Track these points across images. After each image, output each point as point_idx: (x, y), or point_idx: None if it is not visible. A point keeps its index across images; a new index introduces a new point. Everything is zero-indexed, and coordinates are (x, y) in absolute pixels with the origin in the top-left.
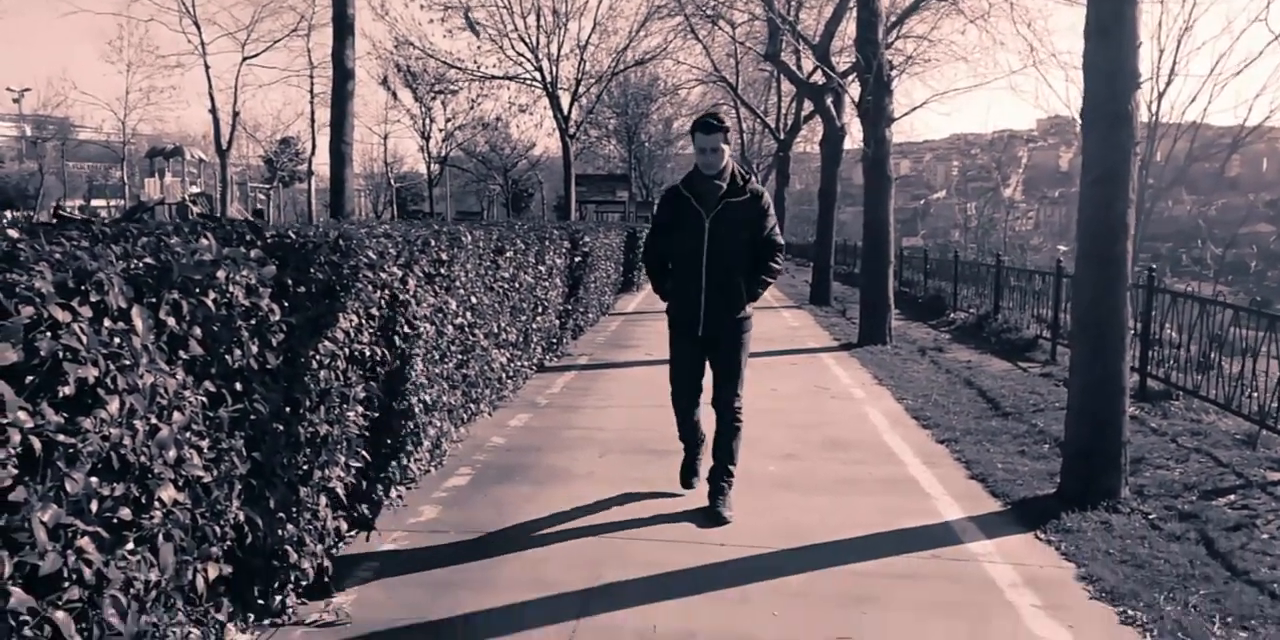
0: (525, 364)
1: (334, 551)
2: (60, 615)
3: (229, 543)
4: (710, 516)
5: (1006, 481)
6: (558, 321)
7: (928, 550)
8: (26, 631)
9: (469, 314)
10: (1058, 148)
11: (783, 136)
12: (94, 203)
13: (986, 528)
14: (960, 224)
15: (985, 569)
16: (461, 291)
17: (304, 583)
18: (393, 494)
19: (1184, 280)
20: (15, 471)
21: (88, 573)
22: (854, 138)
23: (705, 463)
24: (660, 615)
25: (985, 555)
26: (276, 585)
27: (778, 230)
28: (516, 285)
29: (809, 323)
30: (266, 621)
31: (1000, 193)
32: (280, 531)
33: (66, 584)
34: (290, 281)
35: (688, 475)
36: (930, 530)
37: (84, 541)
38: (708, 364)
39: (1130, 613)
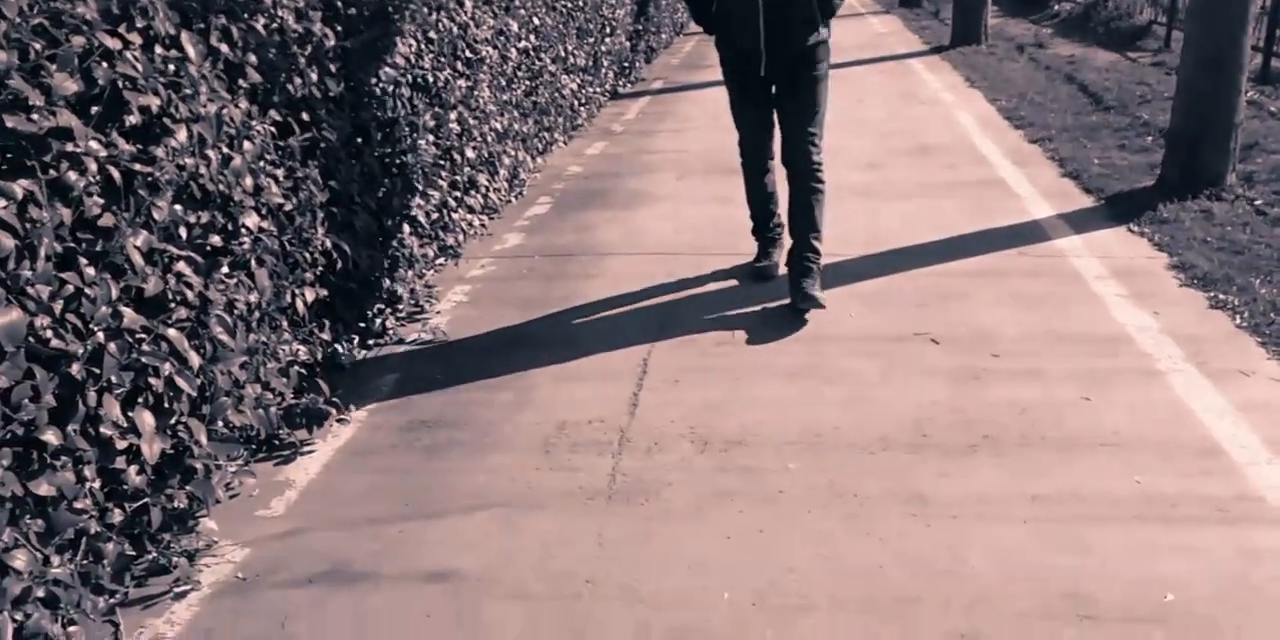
0: (597, 90)
1: (424, 277)
2: (172, 333)
3: (320, 269)
4: (801, 299)
5: (1102, 177)
6: (628, 43)
7: (1013, 248)
8: (144, 347)
9: (533, 37)
10: None
11: None
12: None
13: (1077, 224)
14: None
15: (1072, 263)
16: (522, 12)
17: (399, 306)
18: (475, 223)
19: None
20: (101, 200)
21: (190, 295)
22: None
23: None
24: (739, 322)
25: (1073, 250)
26: (375, 309)
27: None
28: (581, 4)
29: (897, 27)
30: (370, 342)
31: None
32: (369, 258)
33: (173, 305)
34: (341, 4)
35: (765, 260)
36: (1017, 229)
37: (180, 266)
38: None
39: (1221, 297)
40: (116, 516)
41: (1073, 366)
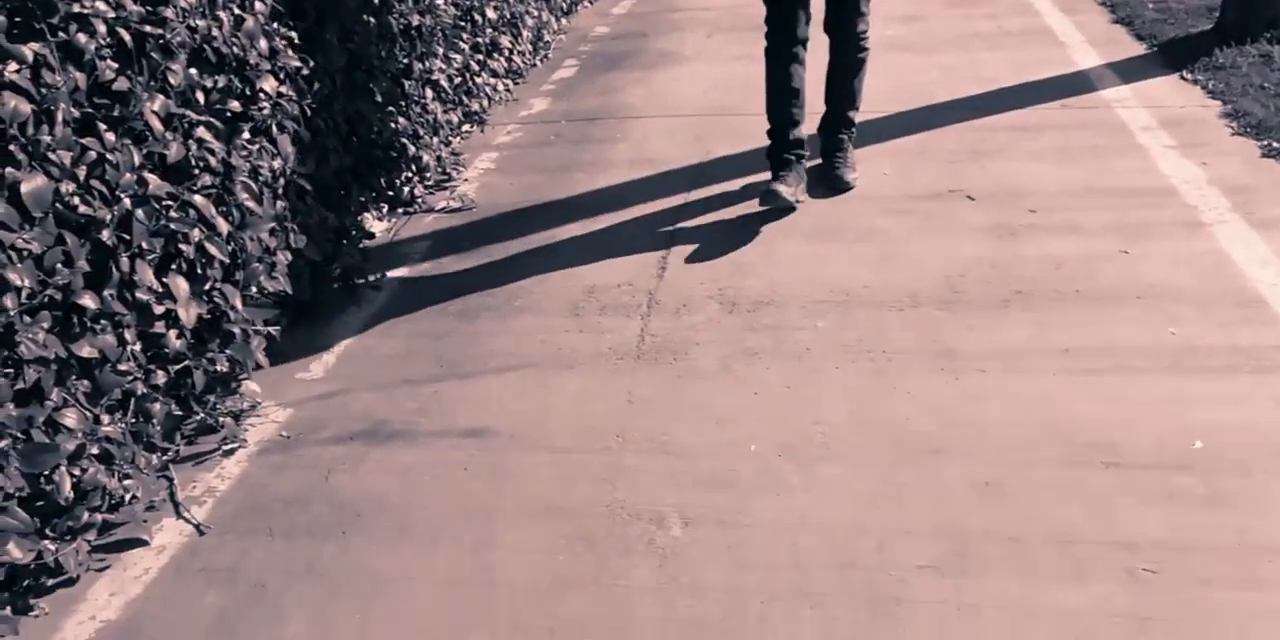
0: None
1: (450, 144)
2: (199, 199)
3: (343, 135)
4: (829, 181)
5: (1155, 22)
6: None
7: (1056, 101)
8: (172, 213)
9: None
10: None
11: None
12: None
13: (1125, 73)
14: None
15: (1118, 114)
16: None
17: (427, 174)
18: (500, 87)
19: None
20: (114, 64)
21: (213, 161)
22: None
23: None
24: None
25: (1120, 101)
26: (402, 177)
27: None
28: None
29: None
30: (399, 210)
31: None
32: (392, 124)
33: (196, 172)
34: None
35: (779, 184)
36: (1062, 80)
37: (201, 132)
38: None
39: (1276, 145)
40: (160, 378)
41: (1112, 220)
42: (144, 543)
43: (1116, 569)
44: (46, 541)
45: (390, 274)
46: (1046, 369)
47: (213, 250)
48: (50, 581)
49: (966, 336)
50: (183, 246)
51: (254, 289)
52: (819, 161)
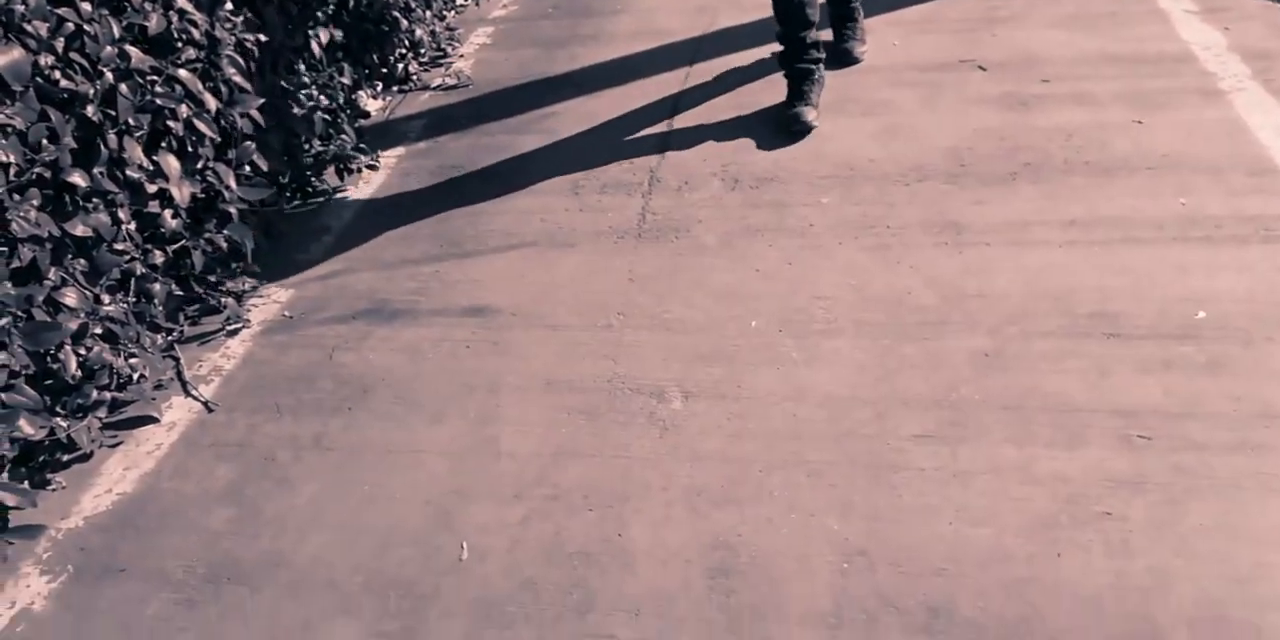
0: None
1: (444, 18)
2: (183, 73)
3: (332, 8)
4: (838, 55)
5: None
6: None
7: None
8: (157, 88)
9: None
10: None
11: None
12: None
13: None
14: None
15: None
16: None
17: (421, 50)
18: None
19: None
20: None
21: (196, 34)
22: None
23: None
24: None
25: None
26: (396, 53)
27: None
28: None
29: None
30: (394, 88)
31: None
32: None
33: (179, 44)
34: None
35: (800, 104)
36: None
37: (182, 3)
38: None
39: None
40: (158, 258)
41: (1127, 89)
42: (154, 420)
43: (1111, 436)
44: (58, 418)
45: (387, 153)
46: (1052, 241)
47: (202, 127)
48: (65, 457)
49: (972, 210)
50: (171, 123)
51: (247, 168)
52: (827, 32)
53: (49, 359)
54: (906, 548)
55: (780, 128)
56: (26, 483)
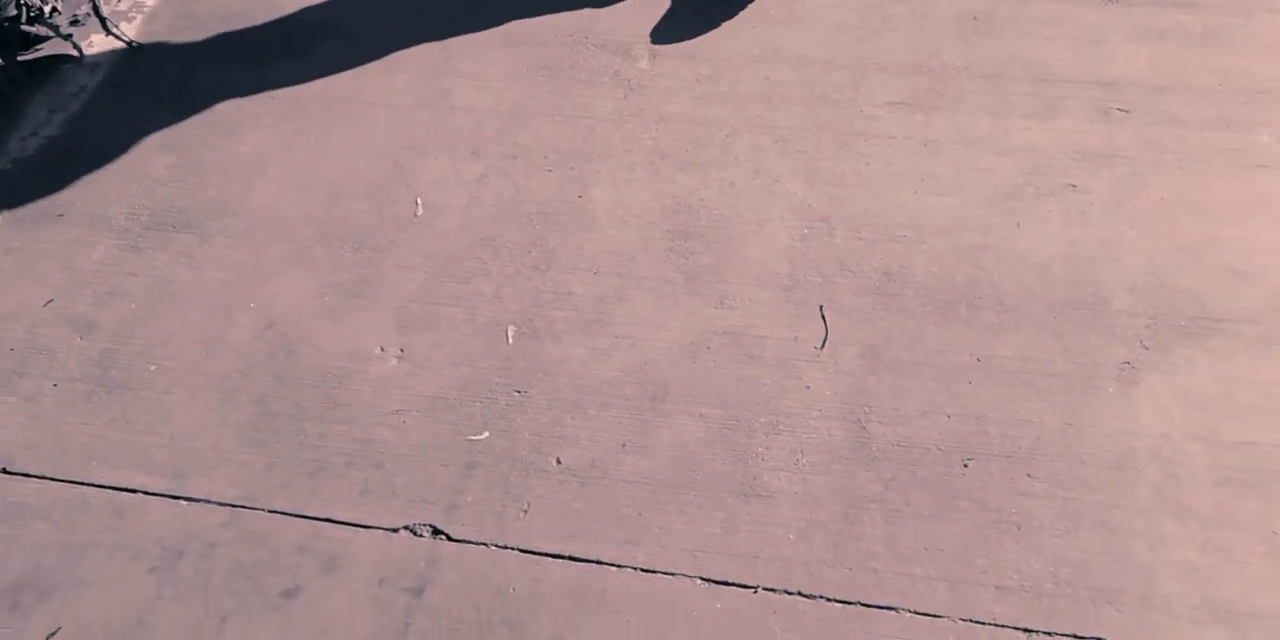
0: None
1: None
2: None
3: None
4: None
5: None
6: None
7: None
8: None
9: None
10: None
11: None
12: None
13: None
14: None
15: None
16: None
17: None
18: None
19: None
20: None
21: None
22: None
23: None
24: None
25: None
26: None
27: None
28: None
29: None
30: None
31: None
32: None
33: None
34: None
35: None
36: None
37: None
38: None
39: None
40: None
41: None
42: (74, 59)
43: (1089, 107)
44: None
45: None
46: None
47: None
48: None
49: None
50: None
51: None
52: None
53: None
54: (868, 214)
55: None
56: None
